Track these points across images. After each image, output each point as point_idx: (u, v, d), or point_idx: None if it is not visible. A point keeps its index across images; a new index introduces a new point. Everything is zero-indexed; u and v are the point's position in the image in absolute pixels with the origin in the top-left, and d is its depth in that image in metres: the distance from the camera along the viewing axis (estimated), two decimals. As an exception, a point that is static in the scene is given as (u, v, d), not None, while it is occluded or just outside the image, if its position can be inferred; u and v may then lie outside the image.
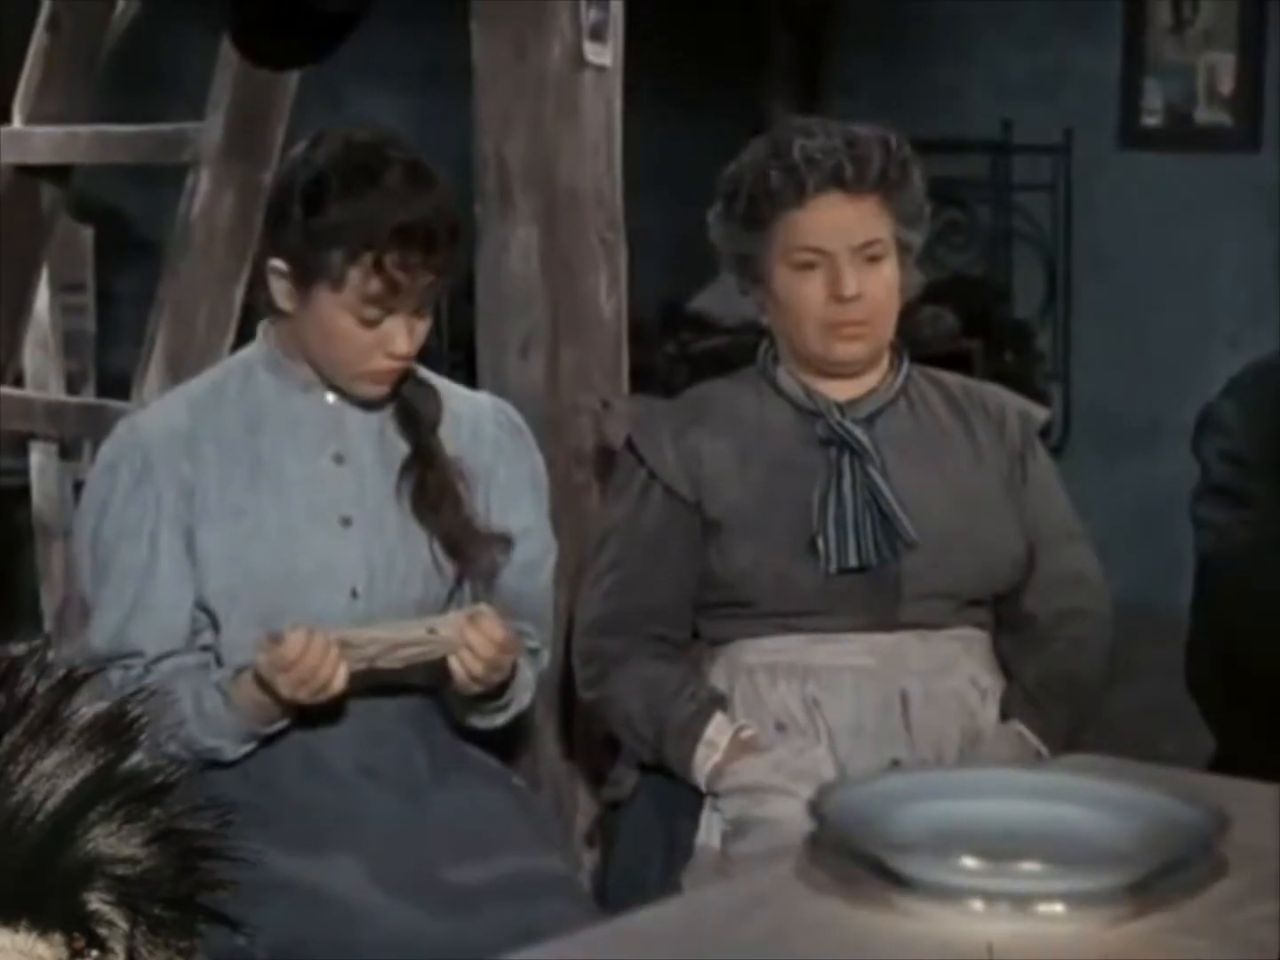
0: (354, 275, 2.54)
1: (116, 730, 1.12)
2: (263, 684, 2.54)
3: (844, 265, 2.76)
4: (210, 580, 2.62)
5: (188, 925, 1.15)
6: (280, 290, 2.62)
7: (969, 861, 1.92)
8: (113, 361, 5.10)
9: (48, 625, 3.82)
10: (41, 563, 4.36)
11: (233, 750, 2.60)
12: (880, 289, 2.79)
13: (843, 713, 2.76)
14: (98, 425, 3.25)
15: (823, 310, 2.78)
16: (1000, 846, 1.96)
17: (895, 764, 2.71)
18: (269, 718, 2.58)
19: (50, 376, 4.40)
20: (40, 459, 4.38)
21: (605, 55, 3.18)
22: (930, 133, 6.04)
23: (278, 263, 2.61)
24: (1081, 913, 1.86)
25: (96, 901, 1.10)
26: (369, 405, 2.71)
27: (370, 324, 2.58)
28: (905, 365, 2.90)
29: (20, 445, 4.50)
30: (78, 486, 3.26)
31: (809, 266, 2.78)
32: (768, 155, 2.80)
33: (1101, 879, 1.90)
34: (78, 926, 1.10)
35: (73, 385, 4.75)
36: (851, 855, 1.94)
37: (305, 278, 2.59)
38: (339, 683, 2.51)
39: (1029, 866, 1.94)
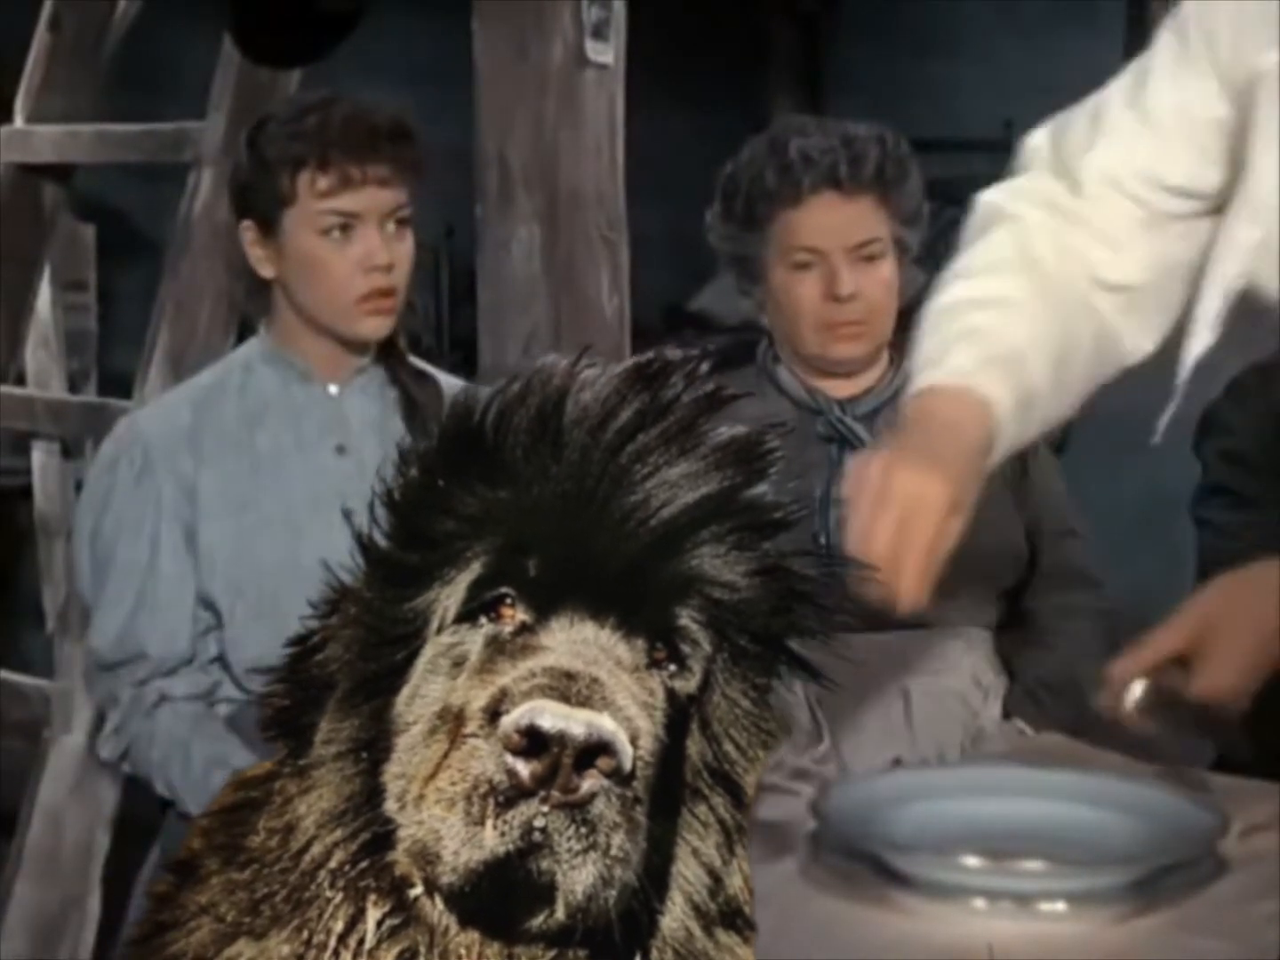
0: (303, 180, 2.59)
1: (750, 457, 1.11)
2: None
3: (840, 265, 2.76)
4: (214, 575, 2.62)
5: (769, 663, 1.13)
6: (258, 256, 2.66)
7: (971, 860, 1.92)
8: (114, 360, 5.10)
9: (50, 624, 3.82)
10: (44, 561, 4.36)
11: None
12: (878, 288, 2.79)
13: (844, 711, 2.76)
14: (100, 424, 3.25)
15: (819, 310, 2.78)
16: (1002, 845, 1.96)
17: (897, 762, 2.71)
18: None
19: (52, 375, 4.41)
20: (42, 458, 4.38)
21: (607, 53, 3.18)
22: (932, 132, 6.05)
23: (246, 224, 2.66)
24: (1083, 911, 1.86)
25: (687, 618, 1.09)
26: (369, 395, 2.71)
27: (343, 234, 2.60)
28: (906, 363, 2.90)
29: (22, 444, 4.50)
30: (80, 485, 3.27)
31: (805, 266, 2.78)
32: (764, 155, 2.81)
33: (1103, 878, 1.90)
34: (663, 637, 1.08)
35: (75, 384, 4.76)
36: (853, 854, 1.94)
37: (269, 217, 2.63)
38: None
39: (1031, 865, 1.94)
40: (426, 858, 1.02)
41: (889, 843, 1.95)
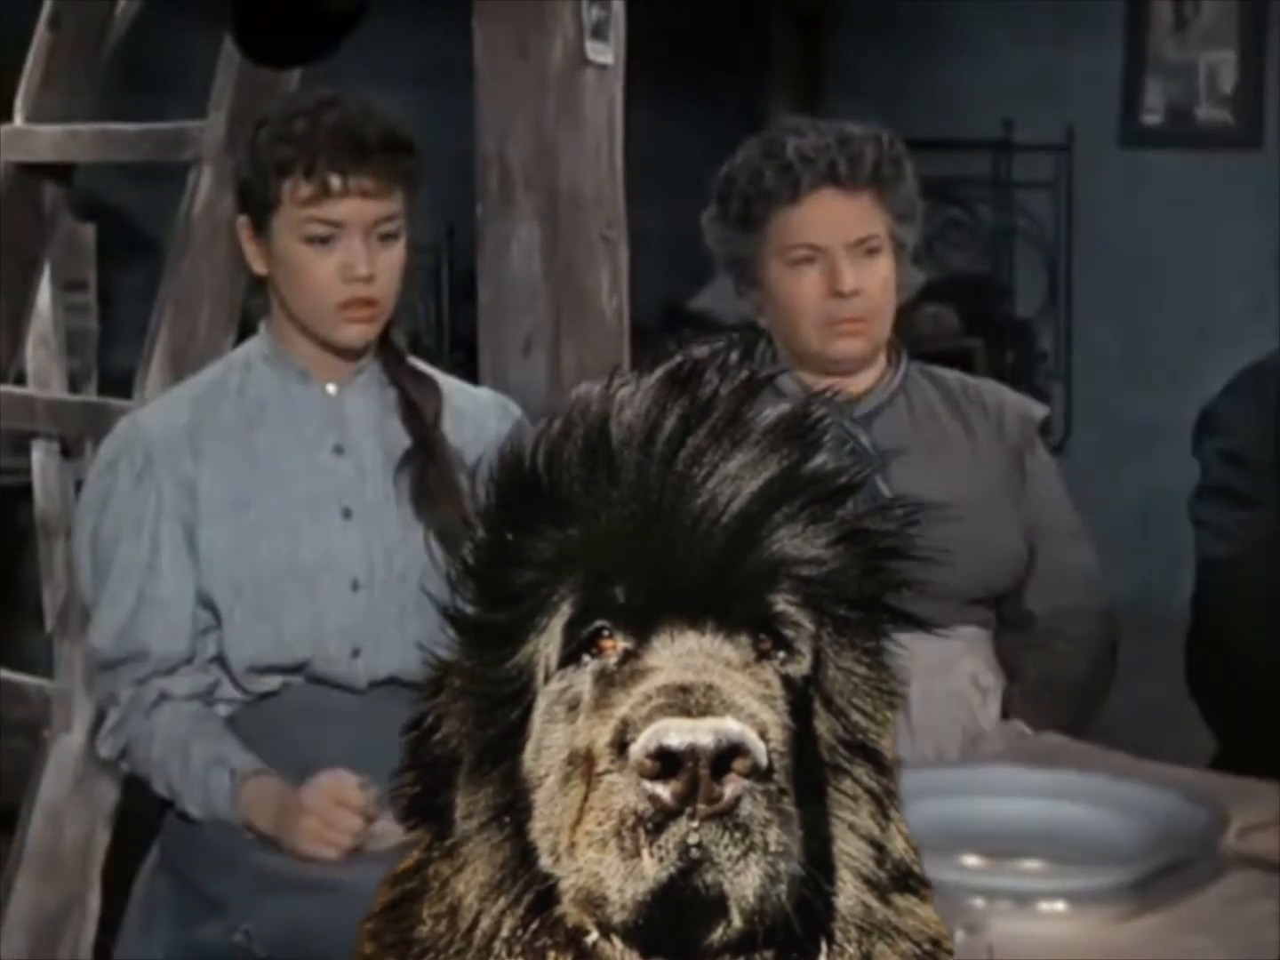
0: (288, 187, 2.60)
1: (800, 431, 1.11)
2: (278, 808, 2.54)
3: (841, 260, 2.76)
4: (214, 574, 2.63)
5: (874, 626, 1.15)
6: (252, 253, 2.68)
7: (971, 860, 1.92)
8: (115, 360, 5.10)
9: (50, 624, 3.82)
10: (44, 561, 4.36)
11: (205, 819, 2.60)
12: (877, 285, 2.79)
13: (844, 711, 2.76)
14: (100, 424, 3.25)
15: (821, 306, 2.78)
16: (1002, 845, 1.96)
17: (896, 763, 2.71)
18: (260, 829, 2.57)
19: (52, 375, 4.40)
20: (42, 457, 4.37)
21: (607, 53, 3.18)
22: (932, 131, 6.05)
23: (241, 220, 2.68)
24: (1083, 911, 1.86)
25: (782, 603, 1.09)
26: (368, 395, 2.72)
27: (324, 245, 2.60)
28: (904, 364, 2.90)
29: (22, 444, 4.50)
30: (80, 485, 3.27)
31: (806, 263, 2.78)
32: (761, 155, 2.81)
33: (1103, 877, 1.90)
34: (764, 628, 1.09)
35: (75, 383, 4.75)
36: (853, 854, 1.94)
37: (259, 217, 2.65)
38: (342, 848, 2.52)
39: (1030, 865, 1.94)
40: (593, 902, 1.02)
41: (889, 842, 1.95)
